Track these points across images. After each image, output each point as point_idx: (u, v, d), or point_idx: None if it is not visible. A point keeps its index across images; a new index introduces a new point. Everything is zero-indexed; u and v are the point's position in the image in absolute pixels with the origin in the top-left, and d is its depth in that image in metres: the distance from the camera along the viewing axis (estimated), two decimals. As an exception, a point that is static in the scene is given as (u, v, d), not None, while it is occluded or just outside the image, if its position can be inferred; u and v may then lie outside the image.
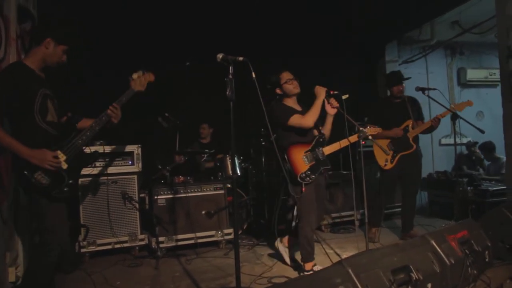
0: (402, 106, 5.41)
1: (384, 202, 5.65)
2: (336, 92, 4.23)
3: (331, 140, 4.40)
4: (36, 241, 3.21)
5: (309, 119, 4.13)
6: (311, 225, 4.30)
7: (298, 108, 4.36)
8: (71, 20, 4.40)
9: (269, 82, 4.37)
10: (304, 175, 4.11)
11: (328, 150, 4.29)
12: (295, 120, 4.15)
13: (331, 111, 4.31)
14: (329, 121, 4.39)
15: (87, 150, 3.52)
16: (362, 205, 4.37)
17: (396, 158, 5.30)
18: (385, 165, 5.33)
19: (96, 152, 3.59)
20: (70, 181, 3.09)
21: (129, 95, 3.56)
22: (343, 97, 4.17)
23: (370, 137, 4.31)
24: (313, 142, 4.25)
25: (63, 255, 4.60)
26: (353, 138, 4.35)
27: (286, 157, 4.13)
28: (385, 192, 5.58)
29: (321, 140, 4.30)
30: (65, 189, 3.06)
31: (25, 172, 2.91)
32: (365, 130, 4.37)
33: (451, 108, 5.18)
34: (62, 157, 3.08)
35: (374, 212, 5.43)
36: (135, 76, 3.62)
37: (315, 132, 4.34)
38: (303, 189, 4.12)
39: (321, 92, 4.20)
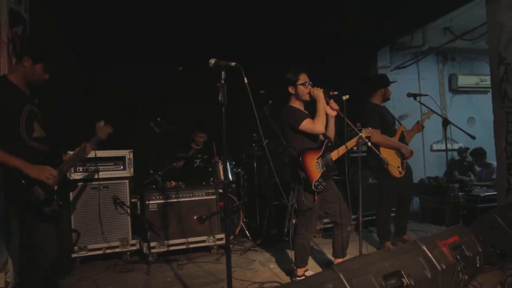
0: (387, 111, 5.41)
1: (391, 211, 5.41)
2: (335, 92, 4.05)
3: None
4: (27, 256, 3.18)
5: (319, 125, 4.00)
6: (312, 233, 4.30)
7: (306, 112, 4.23)
8: (54, 37, 4.39)
9: (285, 77, 4.19)
10: (317, 183, 3.98)
11: (335, 155, 4.17)
12: (307, 125, 4.02)
13: (331, 112, 4.15)
14: (331, 122, 4.21)
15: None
16: (355, 210, 4.35)
17: (405, 165, 5.21)
18: (400, 172, 5.10)
19: (74, 181, 3.65)
20: (60, 202, 3.07)
21: (96, 140, 3.64)
22: (344, 97, 3.99)
23: (369, 144, 4.15)
24: (323, 147, 4.13)
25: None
26: (351, 144, 4.22)
27: (301, 164, 3.98)
28: (391, 201, 5.31)
29: (329, 144, 4.18)
30: (56, 208, 3.03)
31: (23, 182, 2.87)
32: (362, 132, 4.34)
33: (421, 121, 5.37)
34: None
35: (383, 224, 5.33)
36: (100, 124, 3.70)
37: (321, 136, 4.22)
38: (316, 197, 4.03)
39: (318, 93, 4.03)
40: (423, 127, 5.44)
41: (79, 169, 5.18)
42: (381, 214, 5.33)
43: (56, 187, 3.06)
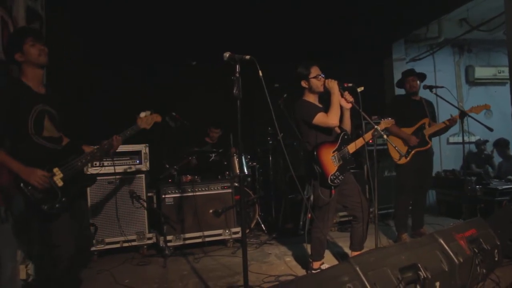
0: (419, 105, 5.37)
1: (408, 201, 5.46)
2: (350, 84, 3.99)
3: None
4: (39, 253, 3.23)
5: (333, 118, 3.94)
6: (328, 227, 4.29)
7: (319, 105, 4.19)
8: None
9: (296, 72, 4.16)
10: (333, 177, 3.95)
11: (352, 148, 4.12)
12: (321, 119, 3.97)
13: (346, 105, 4.10)
14: (346, 115, 4.17)
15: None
16: (372, 203, 4.33)
17: (411, 154, 5.20)
18: (399, 159, 5.22)
19: (94, 175, 3.65)
20: (63, 199, 3.06)
21: (133, 131, 3.55)
22: (358, 89, 3.93)
23: (385, 136, 4.13)
24: (339, 140, 4.09)
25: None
26: (368, 136, 4.18)
27: (317, 159, 3.94)
28: (404, 190, 5.35)
29: (345, 137, 4.13)
30: (57, 205, 3.03)
31: (21, 185, 2.93)
32: (381, 122, 4.33)
33: (468, 111, 5.14)
34: (59, 174, 3.09)
35: (398, 215, 5.39)
36: (142, 115, 3.60)
37: (336, 129, 4.19)
38: (333, 191, 4.00)
39: (332, 85, 3.98)
40: (455, 122, 5.32)
41: (95, 164, 5.25)
42: (396, 206, 5.44)
43: (61, 183, 3.07)
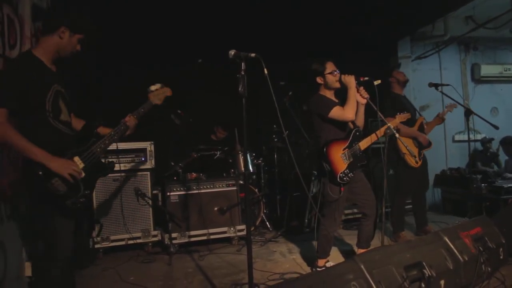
0: (408, 101, 5.37)
1: (406, 201, 5.48)
2: (366, 78, 3.97)
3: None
4: (40, 252, 2.93)
5: (349, 111, 3.91)
6: (336, 225, 4.29)
7: (336, 100, 4.16)
8: (87, 9, 4.33)
9: (311, 69, 4.13)
10: (342, 174, 3.93)
11: (363, 145, 4.09)
12: (337, 112, 3.94)
13: (361, 100, 4.06)
14: (361, 110, 4.11)
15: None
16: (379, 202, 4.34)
17: (422, 155, 5.20)
18: (416, 162, 5.13)
19: (112, 163, 3.41)
20: (86, 191, 2.78)
21: (147, 108, 3.39)
22: (375, 82, 3.90)
23: (397, 135, 4.11)
24: (350, 137, 4.06)
25: (78, 251, 4.68)
26: (380, 133, 4.16)
27: (326, 156, 3.93)
28: (407, 191, 5.37)
29: (357, 134, 4.10)
30: (81, 199, 2.75)
31: (40, 173, 2.59)
32: (396, 117, 4.33)
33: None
34: (80, 164, 2.80)
35: (397, 215, 5.35)
36: (153, 88, 3.47)
37: (350, 124, 4.17)
38: (342, 189, 3.98)
39: (349, 80, 3.95)
40: (443, 119, 5.35)
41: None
42: (397, 205, 5.35)
43: (83, 175, 2.78)
